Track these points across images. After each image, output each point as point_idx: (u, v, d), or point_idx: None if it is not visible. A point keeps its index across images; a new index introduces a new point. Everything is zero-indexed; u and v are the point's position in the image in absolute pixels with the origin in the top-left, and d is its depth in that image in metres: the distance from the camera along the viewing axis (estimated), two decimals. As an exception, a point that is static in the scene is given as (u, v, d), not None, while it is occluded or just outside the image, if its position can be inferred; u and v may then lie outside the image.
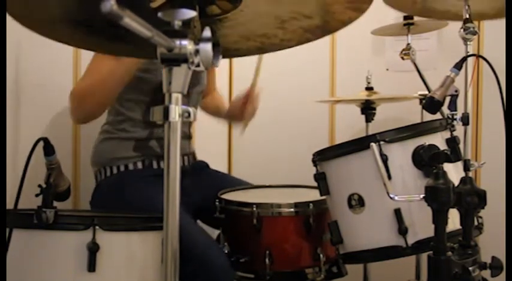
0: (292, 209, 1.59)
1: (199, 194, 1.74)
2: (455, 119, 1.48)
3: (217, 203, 1.64)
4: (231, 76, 2.57)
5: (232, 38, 1.05)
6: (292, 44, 1.07)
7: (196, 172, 1.84)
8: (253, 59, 1.80)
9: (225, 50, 0.94)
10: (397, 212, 1.35)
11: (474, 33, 1.63)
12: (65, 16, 0.96)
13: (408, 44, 2.04)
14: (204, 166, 1.92)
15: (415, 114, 2.08)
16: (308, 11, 0.95)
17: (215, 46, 0.85)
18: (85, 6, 0.88)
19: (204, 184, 1.80)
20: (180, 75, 0.84)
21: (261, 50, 1.12)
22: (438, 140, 1.40)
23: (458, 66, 1.49)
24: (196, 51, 0.84)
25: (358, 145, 1.42)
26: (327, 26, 1.01)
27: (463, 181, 1.22)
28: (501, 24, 1.51)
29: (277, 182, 1.93)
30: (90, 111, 1.62)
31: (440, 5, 1.80)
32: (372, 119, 2.12)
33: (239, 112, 1.89)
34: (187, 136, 1.86)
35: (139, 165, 1.72)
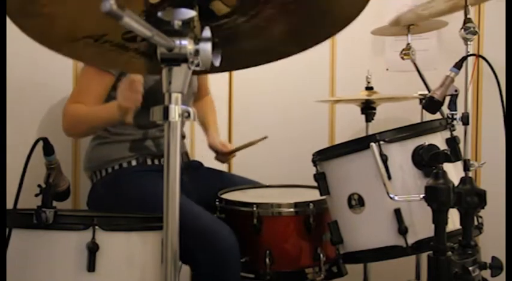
0: (292, 209, 1.59)
1: (198, 192, 1.74)
2: (455, 119, 1.48)
3: (217, 203, 1.65)
4: (231, 76, 2.57)
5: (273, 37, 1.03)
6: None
7: (192, 170, 1.84)
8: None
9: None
10: (397, 212, 1.35)
11: (474, 33, 1.62)
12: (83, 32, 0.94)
13: (408, 44, 2.04)
14: (198, 164, 1.92)
15: (415, 114, 2.07)
16: None
17: (215, 46, 0.85)
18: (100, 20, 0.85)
19: (202, 181, 1.80)
20: (180, 75, 0.84)
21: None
22: (438, 140, 1.40)
23: (458, 66, 1.49)
24: (196, 51, 0.83)
25: (358, 144, 1.42)
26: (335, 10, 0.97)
27: (463, 181, 1.22)
28: (501, 24, 1.51)
29: (277, 182, 1.93)
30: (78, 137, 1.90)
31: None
32: (372, 119, 2.12)
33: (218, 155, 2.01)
34: (181, 136, 1.86)
35: (134, 162, 1.73)
